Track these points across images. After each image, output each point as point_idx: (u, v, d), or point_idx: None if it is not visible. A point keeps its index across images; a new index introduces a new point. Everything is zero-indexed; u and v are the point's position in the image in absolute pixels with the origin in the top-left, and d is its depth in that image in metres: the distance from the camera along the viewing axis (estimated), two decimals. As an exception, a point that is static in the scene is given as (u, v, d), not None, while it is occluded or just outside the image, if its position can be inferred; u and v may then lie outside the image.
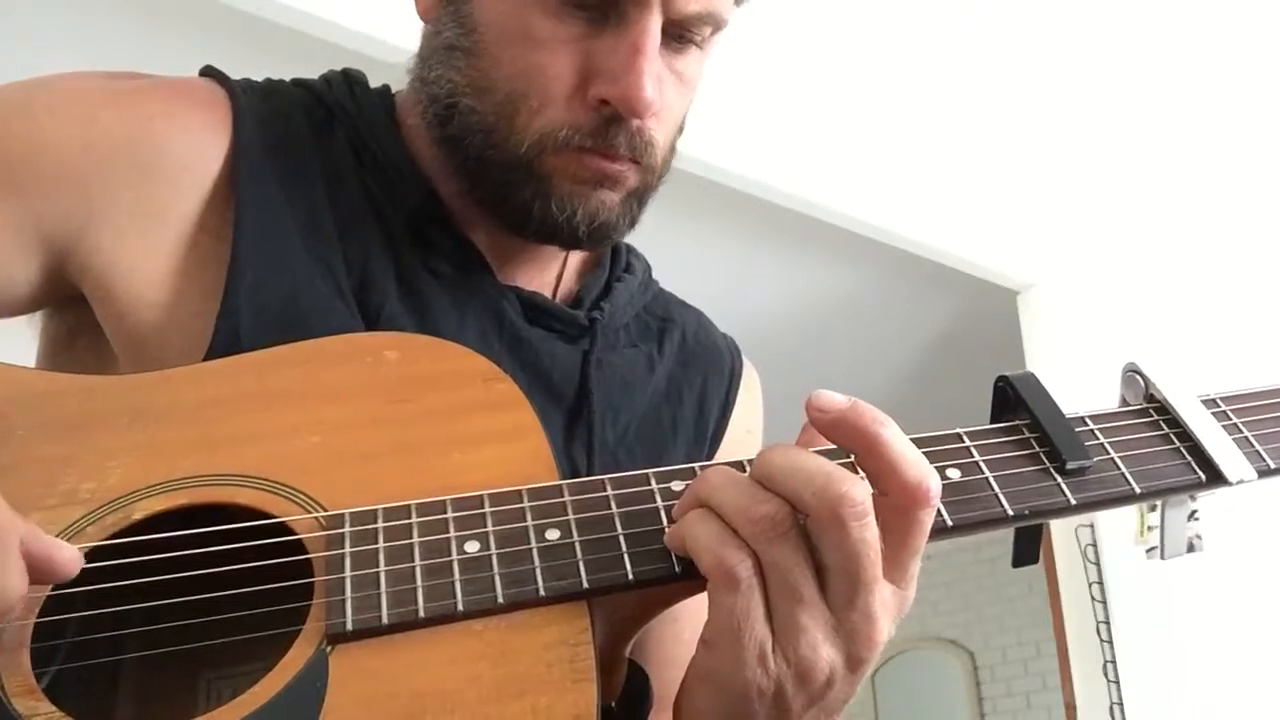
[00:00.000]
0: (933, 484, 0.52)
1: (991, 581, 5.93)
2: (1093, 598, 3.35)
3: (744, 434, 0.85)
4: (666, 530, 0.55)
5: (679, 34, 0.69)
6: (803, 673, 0.51)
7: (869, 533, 0.50)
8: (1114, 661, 3.27)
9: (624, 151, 0.68)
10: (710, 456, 0.82)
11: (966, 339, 4.41)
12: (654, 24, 0.66)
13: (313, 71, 0.82)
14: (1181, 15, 3.09)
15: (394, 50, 2.30)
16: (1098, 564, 3.38)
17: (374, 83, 0.81)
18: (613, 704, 0.60)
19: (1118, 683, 3.25)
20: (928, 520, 0.52)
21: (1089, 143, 3.47)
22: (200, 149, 0.69)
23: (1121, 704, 3.23)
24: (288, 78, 0.80)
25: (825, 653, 0.51)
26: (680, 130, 0.76)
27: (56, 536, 0.53)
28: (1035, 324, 3.81)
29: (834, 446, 0.55)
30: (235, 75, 0.77)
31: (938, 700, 5.97)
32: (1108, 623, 3.32)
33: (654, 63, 0.66)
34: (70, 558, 0.49)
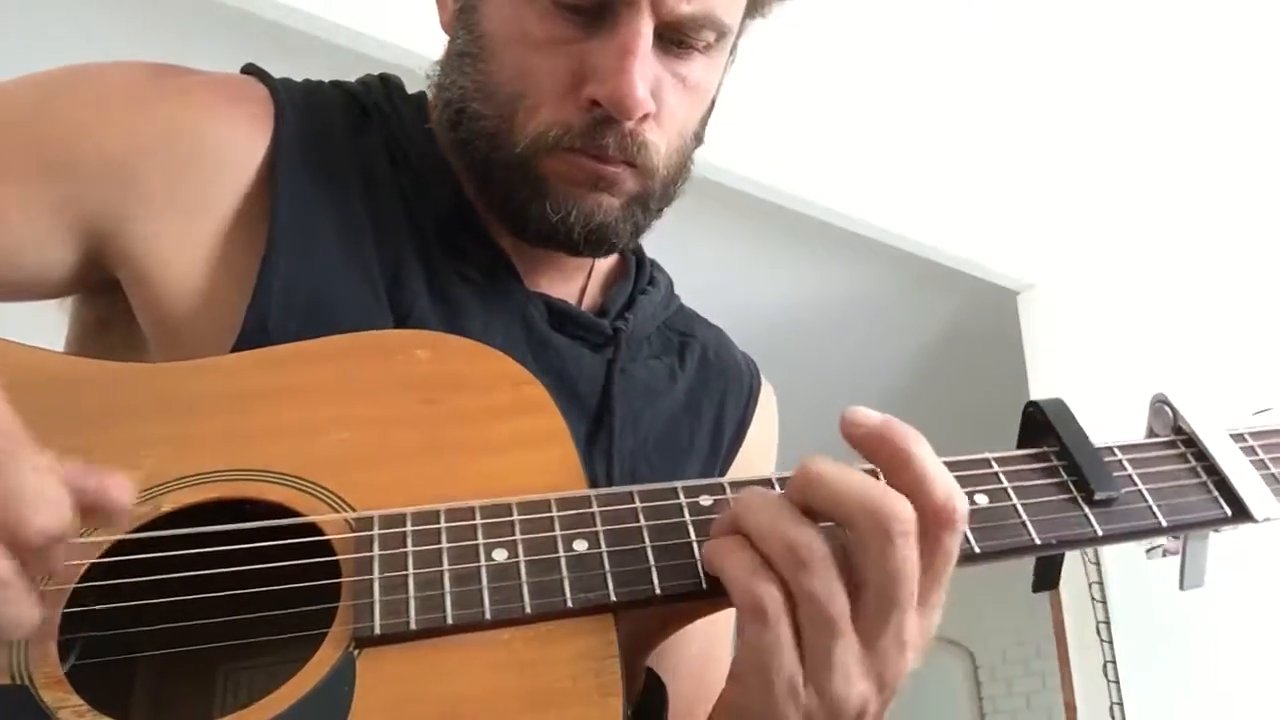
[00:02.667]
0: (959, 504, 0.50)
1: (991, 581, 5.92)
2: (1093, 598, 3.35)
3: (759, 452, 0.85)
4: (698, 549, 0.54)
5: (678, 39, 0.69)
6: (835, 707, 0.50)
7: (912, 553, 0.49)
8: (1114, 661, 3.27)
9: (614, 153, 0.68)
10: (724, 473, 0.82)
11: (966, 339, 4.41)
12: (643, 25, 0.66)
13: (319, 75, 0.83)
14: (1181, 15, 3.09)
15: (404, 54, 2.31)
16: (1098, 564, 3.38)
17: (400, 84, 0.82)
18: (630, 712, 0.61)
19: (1118, 683, 3.25)
20: (953, 544, 0.51)
21: (1089, 143, 3.47)
22: (240, 143, 0.70)
23: (1121, 704, 3.23)
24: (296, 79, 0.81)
25: (859, 686, 0.50)
26: (697, 140, 0.76)
27: (85, 527, 0.53)
28: (1035, 324, 3.81)
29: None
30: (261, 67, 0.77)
31: (937, 700, 5.97)
32: (1108, 623, 3.32)
33: (644, 63, 0.66)
34: (122, 484, 0.49)
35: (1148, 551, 3.27)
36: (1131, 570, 3.29)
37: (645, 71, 0.66)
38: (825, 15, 2.98)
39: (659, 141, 0.70)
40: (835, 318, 4.27)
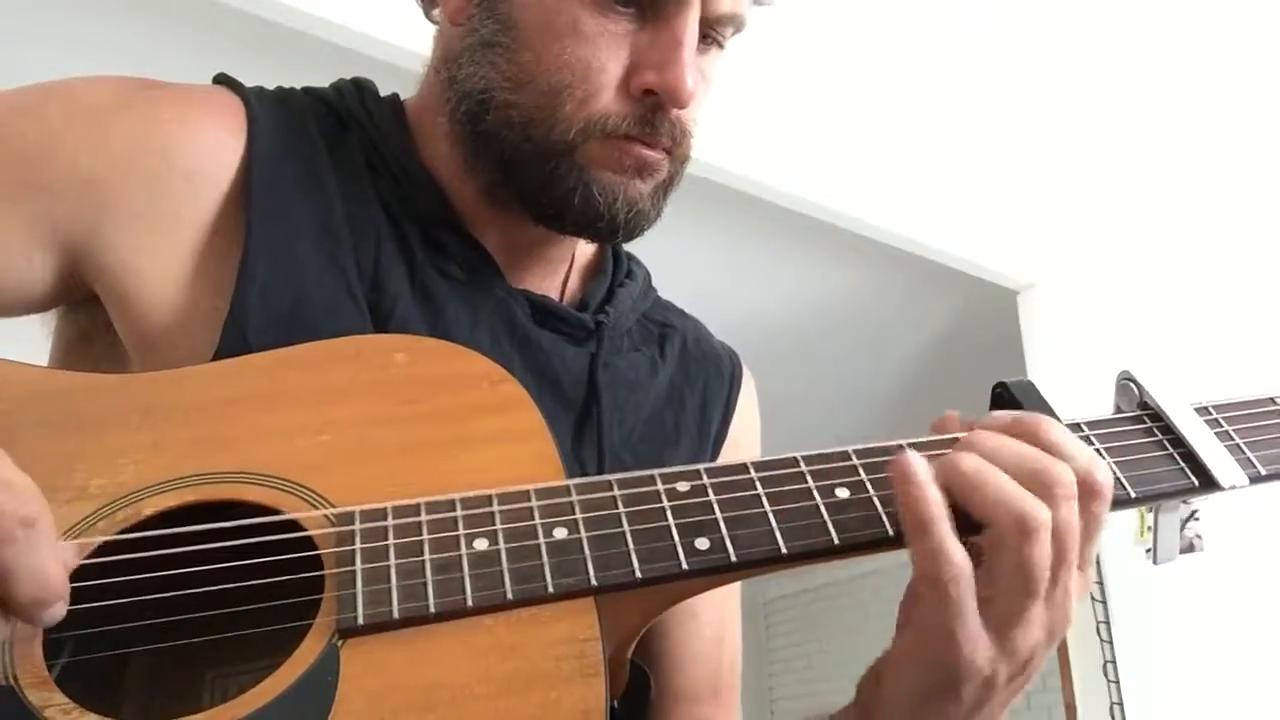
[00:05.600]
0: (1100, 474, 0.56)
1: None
2: (1093, 598, 3.35)
3: (745, 439, 0.86)
4: (677, 533, 0.56)
5: (705, 34, 0.72)
6: (1015, 655, 0.55)
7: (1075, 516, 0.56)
8: (1114, 661, 3.28)
9: (664, 140, 0.71)
10: (712, 460, 0.83)
11: (966, 339, 4.41)
12: (694, 20, 0.69)
13: (313, 74, 0.83)
14: (1181, 15, 3.10)
15: (394, 50, 2.31)
16: (1098, 564, 3.38)
17: (373, 87, 0.82)
18: (614, 703, 0.61)
19: (1118, 683, 3.26)
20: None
21: (1089, 142, 3.48)
22: (214, 154, 0.70)
23: (1121, 704, 3.23)
24: (289, 80, 0.81)
25: (1036, 634, 0.55)
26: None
27: (68, 531, 0.54)
28: (1035, 324, 3.81)
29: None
30: (236, 79, 0.77)
31: (938, 700, 5.96)
32: (1108, 623, 3.32)
33: (693, 55, 0.70)
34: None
35: (1147, 551, 3.26)
36: (1131, 570, 3.29)
37: (694, 62, 0.70)
38: (826, 16, 2.98)
39: (692, 130, 0.73)
40: (836, 318, 4.27)
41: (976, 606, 0.54)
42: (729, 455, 0.84)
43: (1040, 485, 0.55)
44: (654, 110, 0.70)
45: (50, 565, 0.46)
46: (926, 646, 0.56)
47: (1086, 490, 0.56)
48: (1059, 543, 0.55)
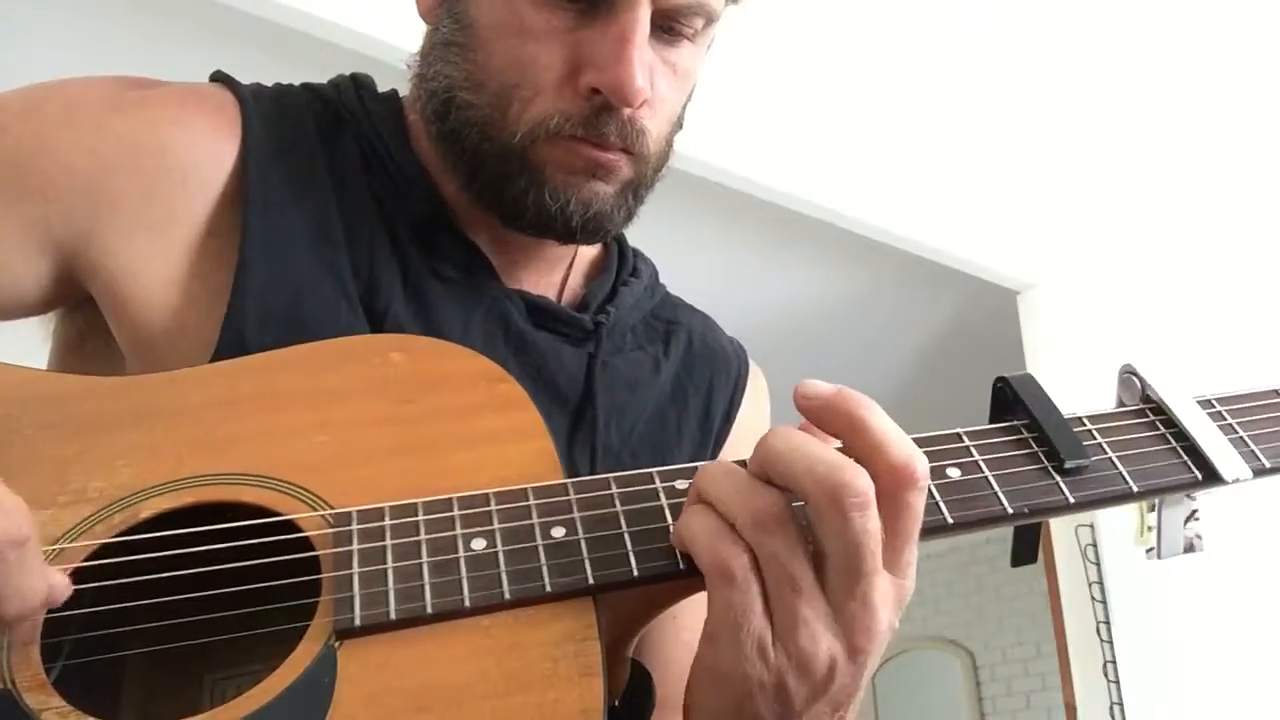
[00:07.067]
0: (919, 465, 0.51)
1: (991, 581, 5.94)
2: (1093, 598, 3.35)
3: (749, 436, 0.84)
4: (671, 528, 0.55)
5: (669, 25, 0.70)
6: (803, 664, 0.51)
7: (871, 523, 0.50)
8: (1114, 661, 3.28)
9: (615, 140, 0.69)
10: (714, 458, 0.82)
11: (966, 339, 4.42)
12: (642, 14, 0.67)
13: (314, 73, 0.83)
14: (1181, 15, 3.10)
15: (393, 51, 2.31)
16: (1098, 564, 3.39)
17: (372, 83, 0.82)
18: (616, 703, 0.61)
19: (1118, 683, 3.26)
20: (918, 503, 0.51)
21: (1089, 142, 3.48)
22: (208, 153, 0.70)
23: (1121, 704, 3.24)
24: (288, 79, 0.81)
25: (825, 643, 0.51)
26: (679, 125, 0.76)
27: (66, 534, 0.54)
28: (1035, 324, 3.82)
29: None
30: (233, 76, 0.77)
31: (938, 700, 5.98)
32: (1108, 623, 3.32)
33: (643, 51, 0.67)
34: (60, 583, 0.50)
35: (1148, 551, 3.27)
36: (1131, 570, 3.29)
37: (643, 59, 0.67)
38: (825, 15, 2.98)
39: (653, 128, 0.71)
40: (835, 318, 4.28)
41: (760, 607, 0.51)
42: (730, 453, 0.82)
43: (829, 497, 0.49)
44: (601, 110, 0.68)
45: (39, 585, 0.47)
46: (716, 656, 0.52)
47: (906, 480, 0.50)
48: (852, 556, 0.50)
